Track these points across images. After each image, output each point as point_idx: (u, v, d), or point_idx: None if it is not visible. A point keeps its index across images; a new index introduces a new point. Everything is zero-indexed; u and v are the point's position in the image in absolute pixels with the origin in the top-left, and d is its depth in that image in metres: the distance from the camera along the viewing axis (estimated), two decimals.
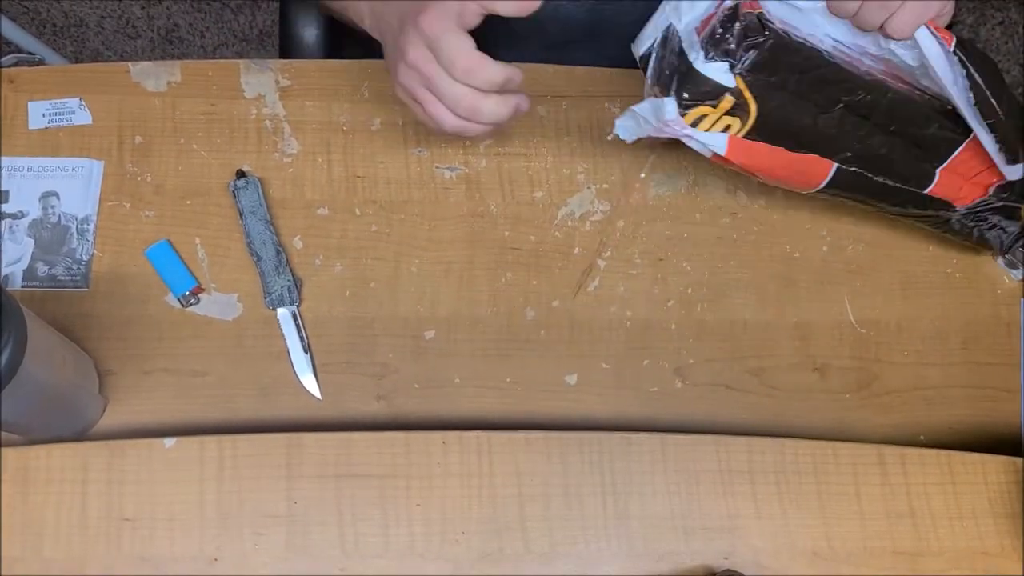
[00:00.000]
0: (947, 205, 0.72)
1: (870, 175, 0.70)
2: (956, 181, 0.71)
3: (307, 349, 0.72)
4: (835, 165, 0.69)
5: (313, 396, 0.71)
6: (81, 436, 0.68)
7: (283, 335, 0.72)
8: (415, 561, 0.64)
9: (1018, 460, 0.69)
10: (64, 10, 1.67)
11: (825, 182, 0.69)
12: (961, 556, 0.67)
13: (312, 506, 0.65)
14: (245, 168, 0.76)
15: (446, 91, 0.63)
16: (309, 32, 0.97)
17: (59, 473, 0.64)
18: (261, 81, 0.80)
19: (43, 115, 0.77)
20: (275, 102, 0.79)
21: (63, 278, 0.73)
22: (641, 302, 0.76)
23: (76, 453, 0.64)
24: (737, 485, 0.67)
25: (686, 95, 0.64)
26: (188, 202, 0.76)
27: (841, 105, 0.67)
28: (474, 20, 0.62)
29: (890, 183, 0.70)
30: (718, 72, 0.63)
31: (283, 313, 0.73)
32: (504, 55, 0.65)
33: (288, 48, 0.98)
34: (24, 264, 0.73)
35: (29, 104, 0.77)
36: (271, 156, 0.78)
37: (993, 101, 0.66)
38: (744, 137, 0.66)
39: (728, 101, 0.64)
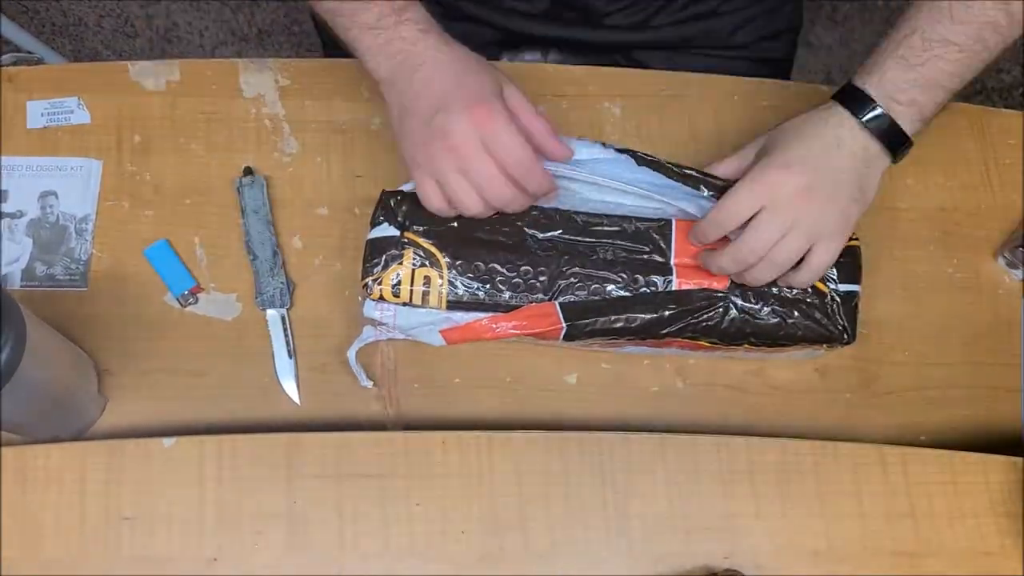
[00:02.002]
0: (714, 295, 0.68)
1: (599, 296, 0.68)
2: (697, 270, 0.69)
3: (292, 354, 0.72)
4: (556, 303, 0.68)
5: (292, 401, 0.71)
6: (80, 436, 0.68)
7: (270, 337, 0.72)
8: (415, 561, 0.64)
9: (1019, 460, 0.69)
10: (63, 9, 1.66)
11: (562, 324, 0.67)
12: (962, 556, 0.66)
13: (312, 506, 0.64)
14: (252, 166, 0.76)
15: (487, 182, 0.63)
16: None
17: (58, 473, 0.64)
18: (260, 80, 0.80)
19: (42, 114, 0.77)
20: (274, 101, 0.79)
21: (62, 278, 0.73)
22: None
23: (75, 453, 0.64)
24: (737, 485, 0.67)
25: (373, 262, 0.68)
26: (187, 202, 0.76)
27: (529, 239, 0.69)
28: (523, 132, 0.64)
29: (628, 294, 0.68)
30: (385, 230, 0.68)
31: (272, 315, 0.73)
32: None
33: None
34: (23, 264, 0.73)
35: (28, 103, 0.77)
36: (270, 156, 0.77)
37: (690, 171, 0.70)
38: (450, 296, 0.67)
39: (409, 253, 0.67)
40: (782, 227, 0.63)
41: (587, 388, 0.73)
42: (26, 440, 0.66)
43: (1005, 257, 0.79)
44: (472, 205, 0.64)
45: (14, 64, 0.82)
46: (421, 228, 0.68)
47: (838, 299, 0.69)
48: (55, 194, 0.75)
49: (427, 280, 0.67)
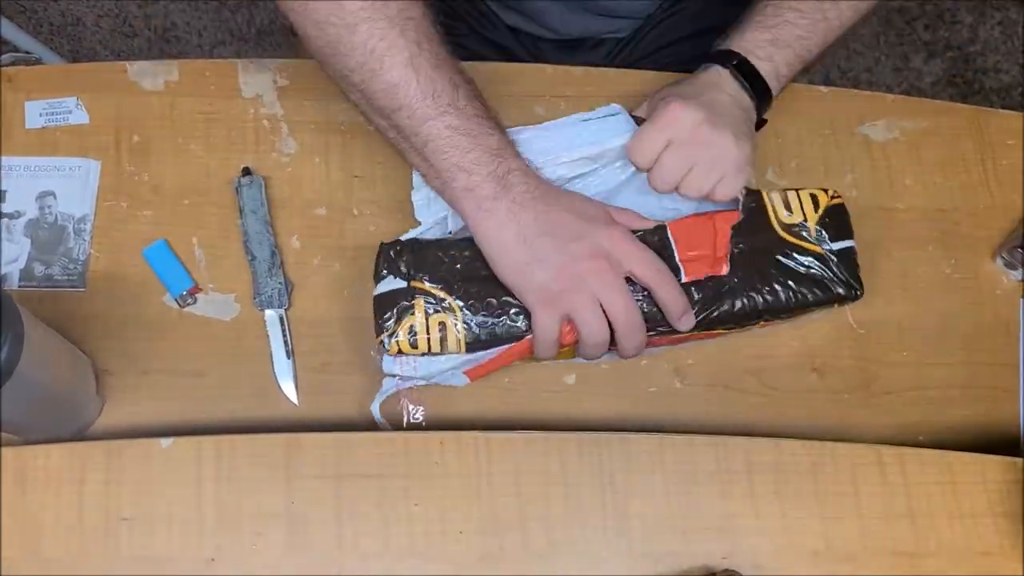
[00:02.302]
0: (720, 286, 0.70)
1: None
2: (702, 261, 0.70)
3: (290, 354, 0.72)
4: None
5: (290, 402, 0.71)
6: (78, 436, 0.68)
7: (268, 337, 0.72)
8: (414, 561, 0.64)
9: (1018, 460, 0.69)
10: (61, 9, 1.66)
11: None
12: (960, 556, 0.66)
13: (311, 506, 0.64)
14: (251, 166, 0.76)
15: (623, 313, 0.65)
16: None
17: (57, 473, 0.64)
18: (259, 80, 0.80)
19: (40, 114, 0.77)
20: (273, 102, 0.79)
21: (60, 278, 0.73)
22: None
23: (74, 453, 0.64)
24: (736, 485, 0.67)
25: (385, 316, 0.68)
26: (186, 202, 0.76)
27: None
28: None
29: (640, 297, 0.69)
30: (391, 283, 0.68)
31: (271, 315, 0.73)
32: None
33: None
34: (21, 264, 0.73)
35: (26, 103, 0.77)
36: (269, 156, 0.77)
37: None
38: (468, 338, 0.67)
39: (420, 302, 0.67)
40: (686, 163, 0.69)
41: (586, 388, 0.73)
42: (25, 440, 0.65)
43: (1003, 257, 0.79)
44: (595, 332, 0.66)
45: (12, 64, 0.82)
46: (426, 275, 0.68)
47: (834, 257, 0.71)
48: (53, 194, 0.75)
49: (442, 326, 0.67)
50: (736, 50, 0.73)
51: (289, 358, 0.72)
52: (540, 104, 0.81)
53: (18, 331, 0.55)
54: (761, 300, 0.69)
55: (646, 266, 0.66)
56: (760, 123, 0.75)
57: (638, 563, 0.65)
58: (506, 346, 0.68)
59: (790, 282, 0.70)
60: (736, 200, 0.71)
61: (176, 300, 0.73)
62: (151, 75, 0.79)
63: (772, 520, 0.66)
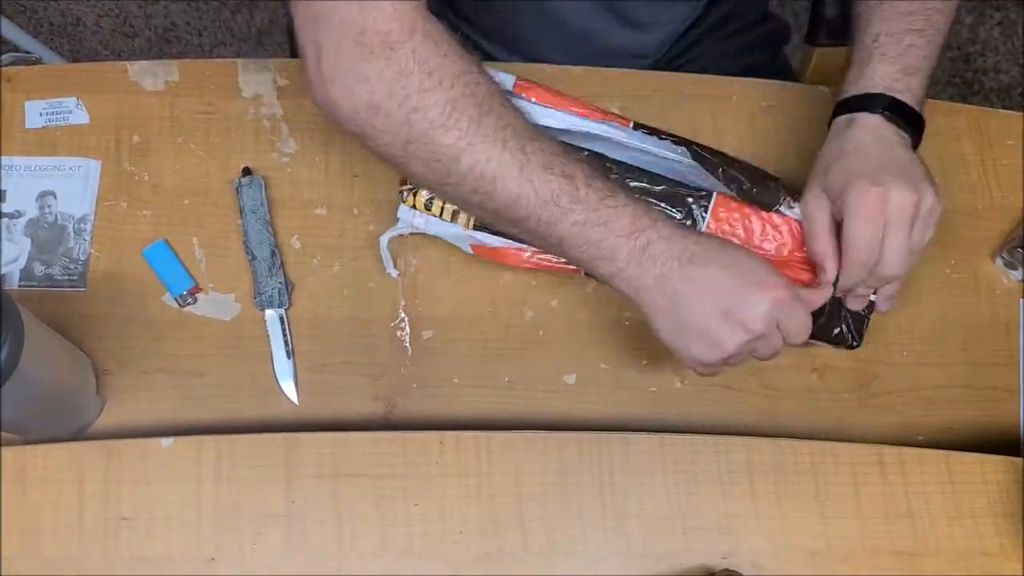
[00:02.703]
0: None
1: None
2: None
3: (290, 354, 0.72)
4: None
5: (290, 401, 0.71)
6: (78, 436, 0.68)
7: (268, 337, 0.72)
8: (413, 560, 0.64)
9: (1017, 460, 0.69)
10: (61, 9, 1.66)
11: None
12: (960, 556, 0.66)
13: (310, 506, 0.64)
14: (250, 166, 0.76)
15: (770, 353, 0.65)
16: None
17: (56, 473, 0.64)
18: (259, 80, 0.80)
19: (40, 114, 0.77)
20: (273, 101, 0.79)
21: (60, 278, 0.73)
22: None
23: (73, 453, 0.64)
24: (736, 485, 0.67)
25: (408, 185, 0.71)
26: (186, 201, 0.76)
27: None
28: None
29: None
30: None
31: (271, 315, 0.73)
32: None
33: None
34: (21, 264, 0.73)
35: (26, 103, 0.77)
36: (269, 155, 0.77)
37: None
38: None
39: None
40: (906, 234, 0.66)
41: (586, 388, 0.73)
42: (25, 440, 0.65)
43: (1003, 258, 0.79)
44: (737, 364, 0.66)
45: (12, 64, 0.82)
46: None
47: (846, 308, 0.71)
48: (53, 194, 0.75)
49: None
50: (876, 92, 0.69)
51: (289, 358, 0.72)
52: None
53: (18, 331, 0.55)
54: None
55: (797, 336, 0.64)
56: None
57: (638, 563, 0.65)
58: (515, 245, 0.69)
59: None
60: None
61: (176, 300, 0.73)
62: (151, 75, 0.79)
63: (772, 520, 0.66)
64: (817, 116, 0.82)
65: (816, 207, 0.70)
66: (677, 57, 0.92)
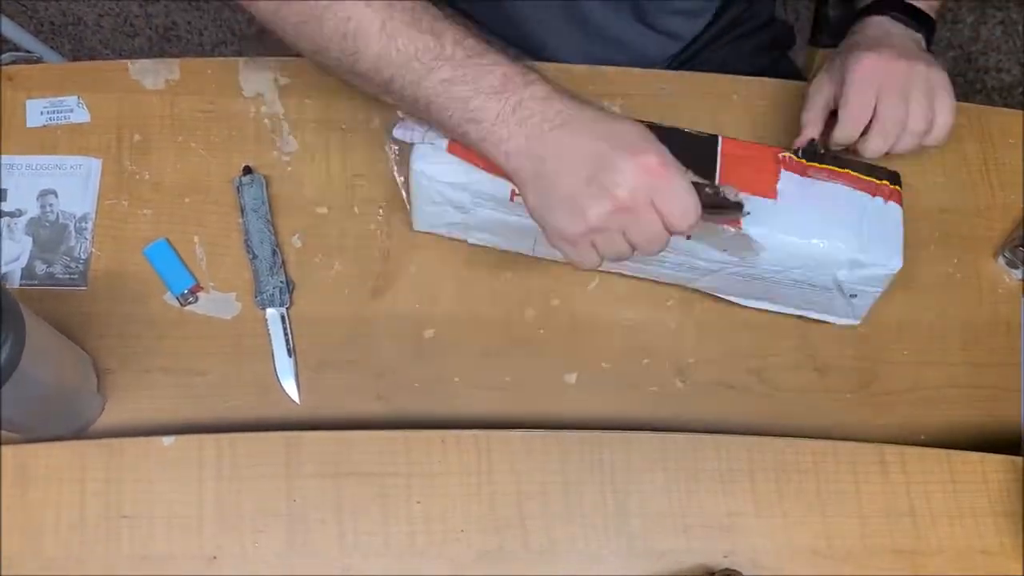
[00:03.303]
0: None
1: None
2: (743, 166, 0.69)
3: (291, 352, 0.72)
4: None
5: (292, 401, 0.71)
6: (80, 435, 0.68)
7: (269, 336, 0.72)
8: (414, 559, 0.64)
9: (1018, 459, 0.69)
10: (62, 8, 1.66)
11: None
12: (961, 555, 0.66)
13: (312, 505, 0.64)
14: (251, 165, 0.76)
15: (648, 241, 0.59)
16: None
17: (58, 471, 0.64)
18: (260, 79, 0.80)
19: (41, 113, 0.77)
20: (274, 100, 0.79)
21: (61, 276, 0.73)
22: (641, 302, 0.76)
23: (75, 452, 0.64)
24: (737, 484, 0.67)
25: None
26: (187, 200, 0.76)
27: None
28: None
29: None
30: None
31: (272, 314, 0.73)
32: None
33: None
34: (22, 262, 0.73)
35: (27, 102, 0.77)
36: (270, 154, 0.77)
37: None
38: None
39: None
40: (903, 99, 0.71)
41: (587, 387, 0.73)
42: (26, 439, 0.65)
43: (1005, 257, 0.79)
44: (621, 256, 0.60)
45: (13, 63, 0.82)
46: None
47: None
48: (55, 193, 0.75)
49: None
50: None
51: (291, 356, 0.72)
52: None
53: (19, 330, 0.55)
54: None
55: (680, 219, 0.57)
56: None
57: (638, 562, 0.65)
58: None
59: None
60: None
61: (177, 299, 0.73)
62: (152, 74, 0.79)
63: (773, 519, 0.66)
64: None
65: (816, 88, 0.75)
66: (685, 63, 0.92)
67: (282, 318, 0.73)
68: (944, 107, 0.72)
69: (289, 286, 0.73)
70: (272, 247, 0.74)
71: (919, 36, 0.76)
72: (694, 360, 0.75)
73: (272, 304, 0.73)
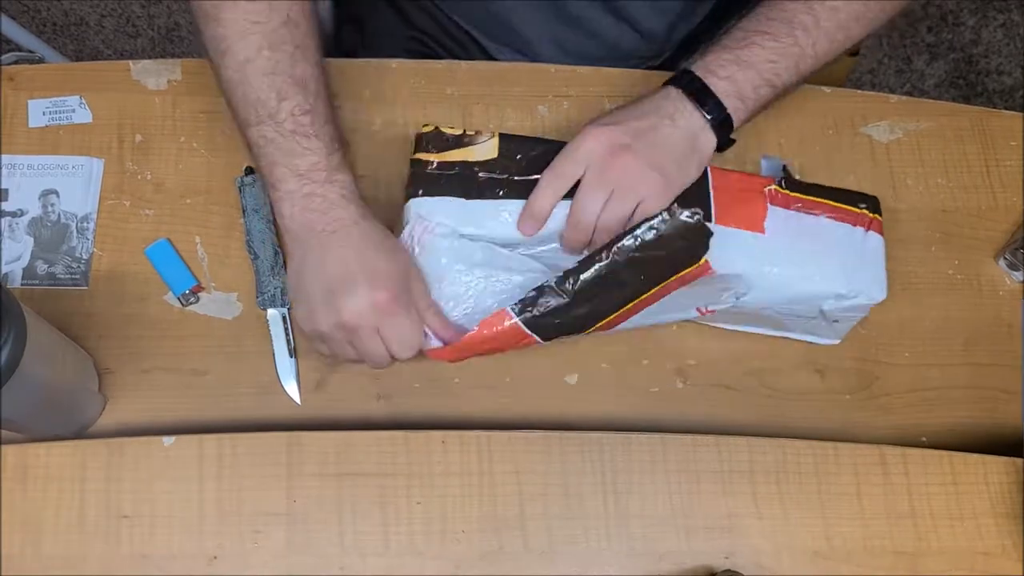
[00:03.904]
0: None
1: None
2: (734, 201, 0.69)
3: (292, 353, 0.72)
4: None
5: (293, 401, 0.71)
6: (80, 434, 0.68)
7: (270, 336, 0.72)
8: (415, 559, 0.64)
9: (1019, 461, 0.69)
10: (64, 9, 1.67)
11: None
12: (962, 556, 0.66)
13: (312, 505, 0.64)
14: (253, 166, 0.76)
15: (371, 358, 0.65)
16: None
17: (58, 471, 0.64)
18: None
19: (43, 113, 0.77)
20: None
21: (63, 276, 0.73)
22: None
23: (75, 451, 0.64)
24: (738, 485, 0.67)
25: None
26: (188, 201, 0.76)
27: None
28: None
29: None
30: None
31: (273, 314, 0.73)
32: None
33: None
34: (24, 262, 0.73)
35: (29, 102, 0.77)
36: None
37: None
38: None
39: None
40: (605, 189, 0.66)
41: (587, 388, 0.73)
42: (26, 438, 0.65)
43: (1006, 259, 0.79)
44: (370, 360, 0.66)
45: (15, 63, 0.83)
46: None
47: (682, 217, 0.65)
48: (56, 193, 0.75)
49: None
50: (693, 69, 0.69)
51: (292, 357, 0.72)
52: (543, 104, 0.81)
53: (20, 329, 0.55)
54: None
55: (399, 349, 0.65)
56: (727, 143, 0.70)
57: (639, 563, 0.65)
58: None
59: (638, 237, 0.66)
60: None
61: (178, 299, 0.73)
62: (154, 74, 0.79)
63: (774, 520, 0.66)
64: (815, 114, 0.82)
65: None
66: (681, 60, 0.92)
67: (283, 319, 0.73)
68: (646, 209, 0.66)
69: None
70: (274, 248, 0.74)
71: (702, 125, 0.68)
72: (695, 361, 0.75)
73: (273, 305, 0.73)
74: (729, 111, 0.68)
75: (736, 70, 0.68)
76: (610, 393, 0.73)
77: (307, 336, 0.67)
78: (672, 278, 0.66)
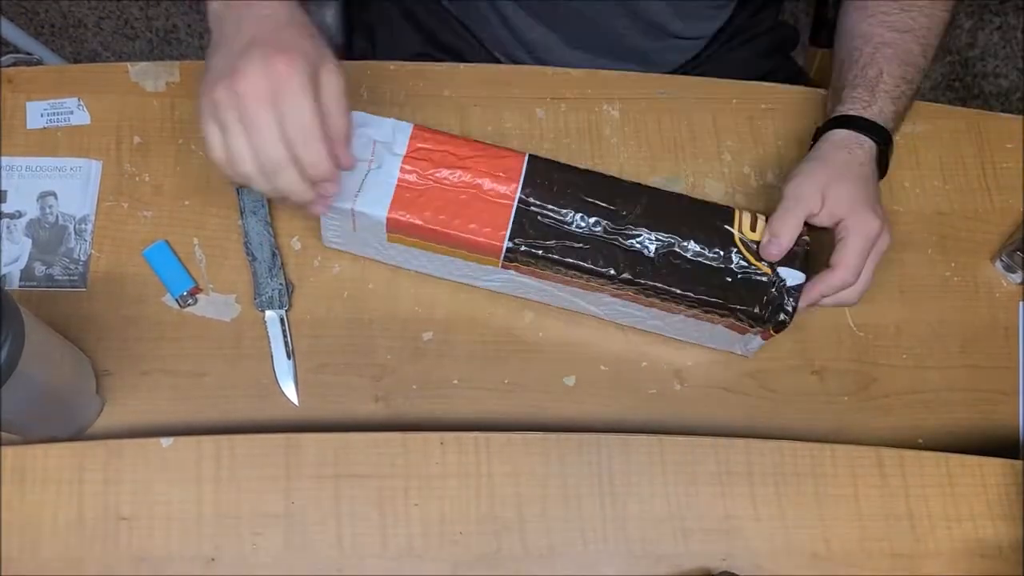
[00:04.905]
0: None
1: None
2: None
3: (290, 355, 0.72)
4: (526, 156, 0.69)
5: (291, 403, 0.71)
6: (78, 436, 0.68)
7: (268, 338, 0.72)
8: (413, 561, 0.64)
9: (1016, 463, 0.69)
10: (62, 11, 1.67)
11: (522, 176, 0.68)
12: (959, 558, 0.67)
13: (310, 506, 0.64)
14: None
15: (260, 136, 0.57)
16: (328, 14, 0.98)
17: (56, 473, 0.64)
18: None
19: (41, 115, 0.77)
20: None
21: (61, 278, 0.73)
22: None
23: (73, 453, 0.64)
24: (735, 486, 0.67)
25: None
26: (186, 203, 0.76)
27: None
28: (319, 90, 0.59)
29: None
30: None
31: (271, 316, 0.73)
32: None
33: None
34: (22, 264, 0.73)
35: (27, 104, 0.77)
36: None
37: None
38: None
39: None
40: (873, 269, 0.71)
41: (585, 390, 0.73)
42: (24, 440, 0.65)
43: (1003, 261, 0.79)
44: (244, 160, 0.59)
45: (13, 65, 0.83)
46: None
47: (782, 282, 0.67)
48: (54, 194, 0.75)
49: None
50: (879, 122, 0.73)
51: (290, 359, 0.72)
52: (541, 106, 0.81)
53: (18, 331, 0.55)
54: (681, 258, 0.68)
55: (295, 133, 0.57)
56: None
57: (637, 564, 0.65)
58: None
59: (720, 277, 0.67)
60: None
61: (176, 301, 0.73)
62: (152, 76, 0.79)
63: (771, 521, 0.67)
64: (813, 116, 0.82)
65: (788, 210, 0.69)
66: (693, 69, 0.92)
67: (281, 320, 0.73)
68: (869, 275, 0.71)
69: (288, 288, 0.73)
70: (271, 249, 0.74)
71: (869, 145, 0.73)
72: (692, 363, 0.75)
73: (271, 306, 0.73)
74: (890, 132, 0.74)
75: (897, 123, 0.75)
76: (608, 395, 0.73)
77: (202, 111, 0.59)
78: (715, 309, 0.68)
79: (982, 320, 0.78)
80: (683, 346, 0.75)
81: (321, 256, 0.75)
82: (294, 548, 0.64)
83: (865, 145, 0.72)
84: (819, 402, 0.75)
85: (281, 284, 0.73)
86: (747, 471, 0.67)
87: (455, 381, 0.73)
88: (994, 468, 0.69)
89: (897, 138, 0.75)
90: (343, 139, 0.60)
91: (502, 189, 0.68)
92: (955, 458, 0.69)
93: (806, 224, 0.69)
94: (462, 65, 0.83)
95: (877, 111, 0.73)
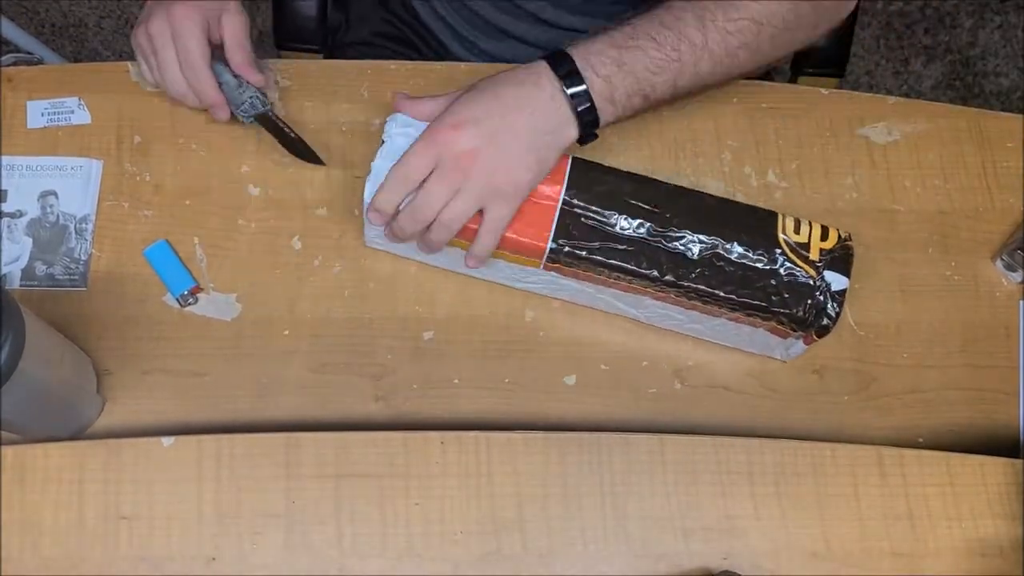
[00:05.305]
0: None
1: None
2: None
3: (295, 138, 0.76)
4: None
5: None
6: (79, 435, 0.68)
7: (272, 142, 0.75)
8: (413, 561, 0.64)
9: (1017, 462, 0.69)
10: (63, 10, 1.67)
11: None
12: (959, 557, 0.67)
13: (310, 506, 0.64)
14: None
15: (164, 67, 0.72)
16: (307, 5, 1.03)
17: (57, 472, 0.64)
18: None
19: (42, 114, 0.77)
20: (274, 102, 0.79)
21: (61, 277, 0.73)
22: None
23: (74, 452, 0.64)
24: (736, 486, 0.67)
25: None
26: (187, 202, 0.76)
27: None
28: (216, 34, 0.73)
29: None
30: None
31: (261, 118, 0.75)
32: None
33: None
34: (22, 263, 0.73)
35: (28, 103, 0.77)
36: (270, 156, 0.78)
37: None
38: None
39: None
40: (450, 188, 0.65)
41: (586, 389, 0.73)
42: (25, 439, 0.65)
43: (1003, 260, 0.79)
44: (165, 87, 0.74)
45: (14, 64, 0.83)
46: None
47: (827, 286, 0.68)
48: (55, 194, 0.75)
49: None
50: (574, 56, 0.67)
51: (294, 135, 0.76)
52: None
53: (19, 331, 0.55)
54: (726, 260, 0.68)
55: (181, 49, 0.71)
56: (590, 137, 0.70)
57: (637, 564, 0.65)
58: None
59: (764, 280, 0.68)
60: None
61: (177, 300, 0.73)
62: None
63: (772, 521, 0.67)
64: (812, 116, 0.82)
65: (437, 99, 0.68)
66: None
67: (269, 116, 0.75)
68: (495, 211, 0.66)
69: (262, 91, 0.75)
70: (231, 73, 0.74)
71: (567, 117, 0.67)
72: (693, 362, 0.75)
73: (255, 110, 0.75)
74: (599, 113, 0.67)
75: (615, 71, 0.67)
76: (609, 394, 0.73)
77: (137, 52, 0.75)
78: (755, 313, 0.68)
79: (983, 319, 0.78)
80: (683, 345, 0.75)
81: (322, 256, 0.75)
82: (294, 548, 0.64)
83: (533, 72, 0.67)
84: (819, 402, 0.75)
85: (254, 91, 0.75)
86: (747, 471, 0.68)
87: (456, 381, 0.73)
88: (994, 467, 0.69)
89: (898, 137, 0.75)
90: (245, 66, 0.74)
91: (546, 190, 0.68)
92: (955, 457, 0.69)
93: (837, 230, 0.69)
94: (463, 64, 0.83)
95: (583, 48, 0.67)
